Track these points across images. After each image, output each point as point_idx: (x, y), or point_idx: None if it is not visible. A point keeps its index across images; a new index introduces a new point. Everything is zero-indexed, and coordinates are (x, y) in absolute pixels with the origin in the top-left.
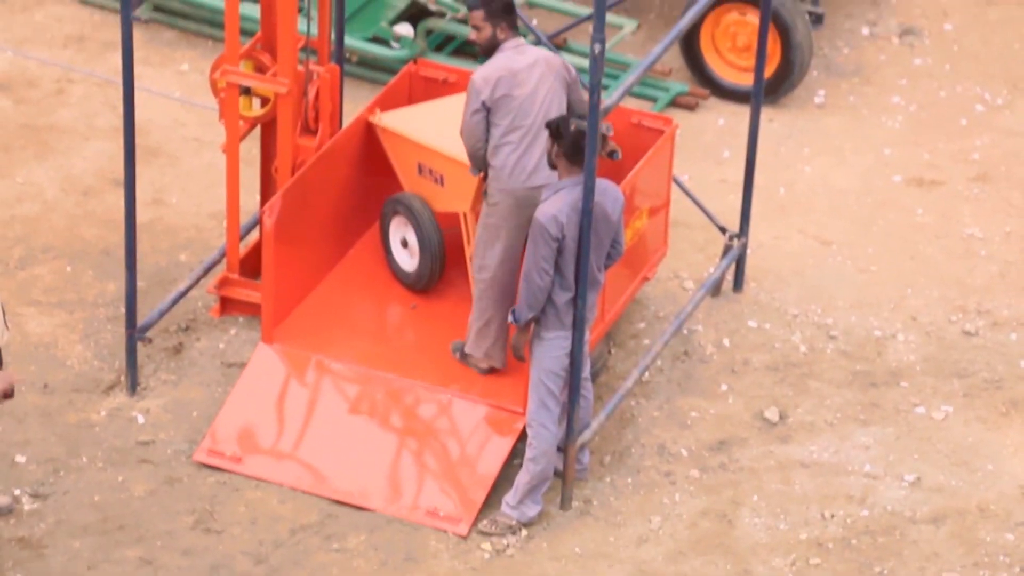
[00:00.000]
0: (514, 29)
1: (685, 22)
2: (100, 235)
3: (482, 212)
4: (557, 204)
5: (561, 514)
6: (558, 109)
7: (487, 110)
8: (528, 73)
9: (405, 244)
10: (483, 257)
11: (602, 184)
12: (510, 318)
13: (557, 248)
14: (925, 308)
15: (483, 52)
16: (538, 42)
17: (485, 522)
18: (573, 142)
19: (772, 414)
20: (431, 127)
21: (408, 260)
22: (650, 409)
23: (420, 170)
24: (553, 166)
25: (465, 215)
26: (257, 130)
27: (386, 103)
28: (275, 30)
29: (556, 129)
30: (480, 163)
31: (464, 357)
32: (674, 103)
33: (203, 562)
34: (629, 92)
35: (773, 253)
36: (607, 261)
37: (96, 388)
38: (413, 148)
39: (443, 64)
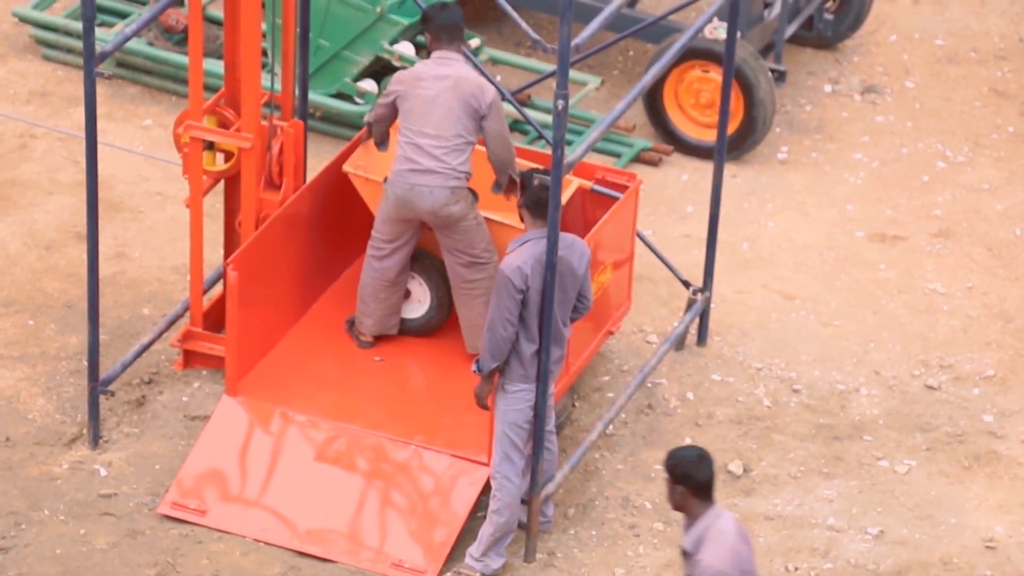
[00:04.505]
0: (449, 45)
1: (648, 79)
2: (63, 289)
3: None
4: (523, 256)
5: (525, 566)
6: (451, 127)
7: (393, 104)
8: (433, 83)
9: (407, 294)
10: (374, 233)
11: (568, 238)
12: (474, 368)
13: (521, 300)
14: (888, 362)
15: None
16: (501, 99)
17: (449, 574)
18: (534, 196)
19: (736, 467)
20: None
21: (412, 308)
22: (614, 462)
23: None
24: (521, 219)
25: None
26: (221, 184)
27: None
28: (239, 85)
29: (520, 182)
30: (378, 140)
31: (350, 327)
32: (638, 159)
33: None
34: (593, 148)
35: (737, 307)
36: (574, 315)
37: (58, 441)
38: None
39: None
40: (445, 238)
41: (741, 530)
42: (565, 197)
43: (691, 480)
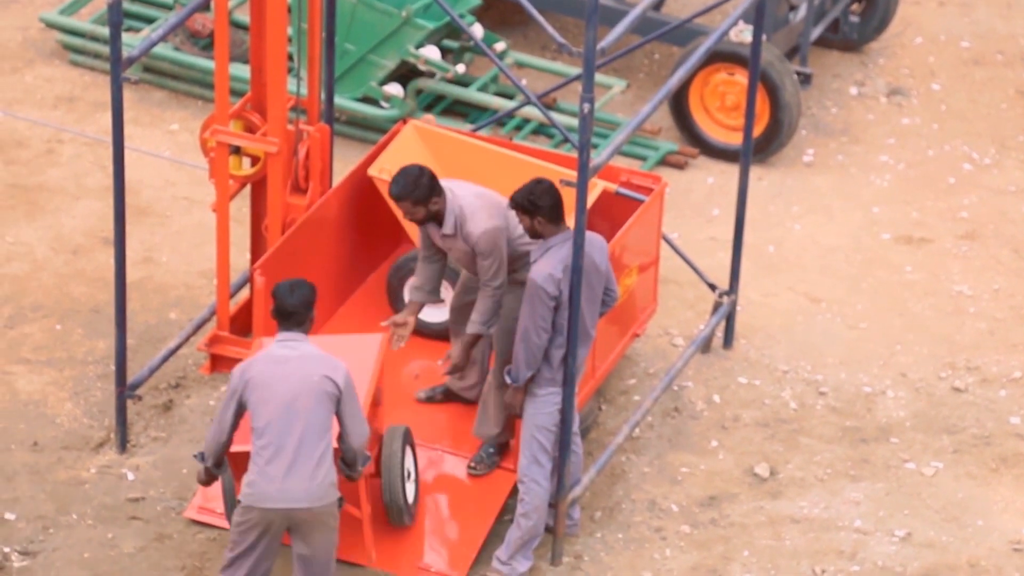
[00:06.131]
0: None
1: (674, 81)
2: (90, 293)
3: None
4: (551, 262)
5: (552, 570)
6: None
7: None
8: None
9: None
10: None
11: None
12: (507, 378)
13: (554, 306)
14: (914, 365)
15: (431, 221)
16: (527, 102)
17: None
18: (554, 204)
19: (762, 470)
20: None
21: (436, 313)
22: (641, 465)
23: None
24: (536, 235)
25: None
26: (247, 189)
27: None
28: (265, 90)
29: (529, 203)
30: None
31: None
32: (663, 162)
33: None
34: (618, 151)
35: (763, 310)
36: (603, 308)
37: (86, 445)
38: None
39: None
40: None
41: (276, 357)
42: (590, 201)
43: (273, 305)
